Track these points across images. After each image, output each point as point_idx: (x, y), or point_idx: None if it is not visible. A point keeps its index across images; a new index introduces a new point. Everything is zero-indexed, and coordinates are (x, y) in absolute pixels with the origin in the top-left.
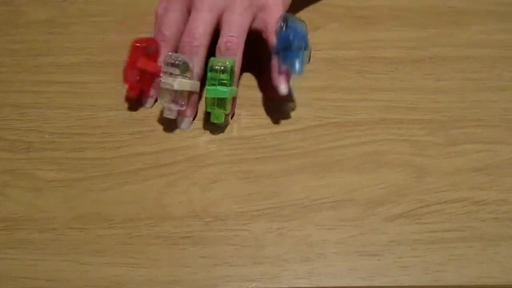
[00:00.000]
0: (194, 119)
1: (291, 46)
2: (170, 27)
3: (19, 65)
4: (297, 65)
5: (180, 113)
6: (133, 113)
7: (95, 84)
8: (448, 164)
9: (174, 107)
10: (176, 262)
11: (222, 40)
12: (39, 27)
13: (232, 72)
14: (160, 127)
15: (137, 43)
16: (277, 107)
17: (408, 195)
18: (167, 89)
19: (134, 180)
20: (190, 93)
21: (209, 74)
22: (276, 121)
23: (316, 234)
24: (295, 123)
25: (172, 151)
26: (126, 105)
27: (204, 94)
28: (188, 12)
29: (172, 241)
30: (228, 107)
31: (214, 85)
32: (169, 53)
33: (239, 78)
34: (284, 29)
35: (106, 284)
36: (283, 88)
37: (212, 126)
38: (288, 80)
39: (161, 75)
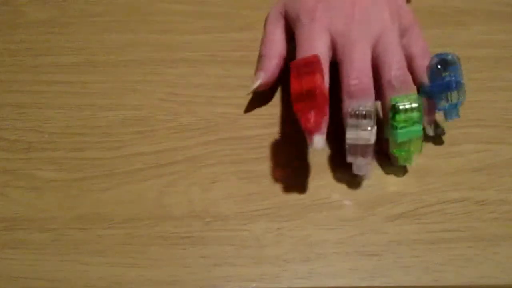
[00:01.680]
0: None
1: (451, 96)
2: (320, 49)
3: (19, 65)
4: (452, 115)
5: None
6: (133, 113)
7: (95, 84)
8: (448, 164)
9: (365, 162)
10: (176, 262)
11: (392, 75)
12: (39, 27)
13: (421, 107)
14: (160, 127)
15: (295, 63)
16: (277, 107)
17: (408, 195)
18: (355, 144)
19: (134, 180)
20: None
21: (397, 117)
22: (276, 121)
23: (316, 234)
24: (295, 123)
25: (172, 151)
26: (126, 105)
27: (392, 138)
28: (332, 42)
29: (172, 241)
30: (420, 146)
31: (406, 127)
32: (351, 101)
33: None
34: (441, 73)
35: (106, 284)
36: (429, 130)
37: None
38: (433, 122)
39: (346, 130)
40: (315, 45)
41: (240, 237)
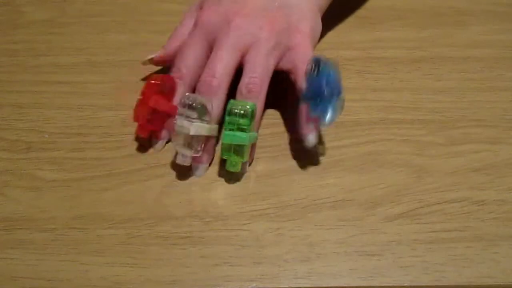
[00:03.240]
0: (210, 165)
1: (323, 94)
2: (188, 64)
3: (19, 65)
4: (328, 115)
5: (195, 159)
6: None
7: (95, 84)
8: (448, 164)
9: (189, 153)
10: (176, 262)
11: (244, 81)
12: (39, 27)
13: (252, 116)
14: None
15: (152, 80)
16: (277, 107)
17: (408, 195)
18: (182, 133)
19: (134, 180)
20: (207, 137)
21: (227, 118)
22: (276, 121)
23: (316, 234)
24: (295, 123)
25: (172, 151)
26: (126, 105)
27: (221, 139)
28: (210, 49)
29: (172, 241)
30: (246, 155)
31: (232, 130)
32: (187, 94)
33: (260, 124)
34: (315, 74)
35: (106, 284)
36: (311, 139)
37: (228, 175)
38: (316, 129)
39: (176, 117)
40: (187, 52)
41: (240, 237)
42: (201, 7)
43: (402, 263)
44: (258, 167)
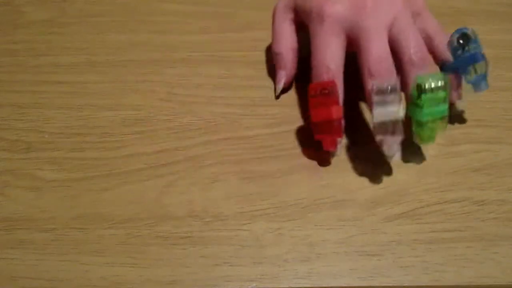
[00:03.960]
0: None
1: (478, 68)
2: (334, 60)
3: (19, 65)
4: (483, 86)
5: (387, 140)
6: (133, 113)
7: (95, 84)
8: (448, 164)
9: (399, 139)
10: (176, 262)
11: (409, 53)
12: (39, 27)
13: (447, 85)
14: (160, 127)
15: (313, 91)
16: (277, 107)
17: (408, 195)
18: (388, 121)
19: (134, 180)
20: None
21: (424, 96)
22: (276, 121)
23: (316, 234)
24: (295, 123)
25: (172, 151)
26: (126, 105)
27: (414, 118)
28: (345, 40)
29: (172, 241)
30: (445, 123)
31: (430, 106)
32: (377, 82)
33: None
34: (464, 49)
35: (106, 284)
36: (461, 106)
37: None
38: (460, 97)
39: (373, 109)
40: (329, 51)
41: (240, 237)
42: (293, 18)
43: (402, 263)
44: (258, 168)
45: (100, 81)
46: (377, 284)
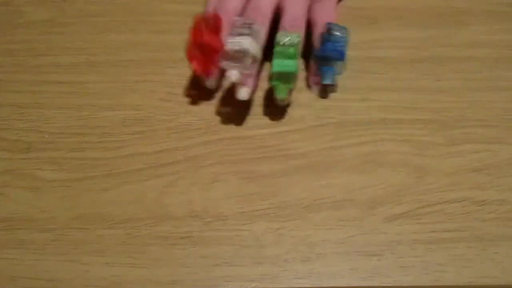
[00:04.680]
0: (253, 93)
1: (327, 60)
2: (232, 4)
3: (19, 65)
4: (327, 79)
5: (242, 81)
6: (133, 113)
7: (95, 84)
8: (448, 164)
9: (240, 69)
10: (176, 262)
11: (285, 18)
12: (39, 27)
13: (298, 46)
14: (160, 127)
15: (199, 18)
16: (277, 107)
17: (408, 195)
18: (235, 48)
19: (134, 180)
20: (252, 62)
21: (277, 48)
22: (276, 121)
23: (316, 234)
24: (295, 123)
25: (172, 151)
26: (126, 105)
27: (271, 67)
28: None
29: (172, 241)
30: (293, 82)
31: (281, 58)
32: (242, 18)
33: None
34: (326, 39)
35: (106, 284)
36: (314, 90)
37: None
38: (318, 83)
39: (230, 35)
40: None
41: (240, 237)
42: None
43: (402, 263)
44: (258, 168)
45: (100, 81)
46: (377, 284)
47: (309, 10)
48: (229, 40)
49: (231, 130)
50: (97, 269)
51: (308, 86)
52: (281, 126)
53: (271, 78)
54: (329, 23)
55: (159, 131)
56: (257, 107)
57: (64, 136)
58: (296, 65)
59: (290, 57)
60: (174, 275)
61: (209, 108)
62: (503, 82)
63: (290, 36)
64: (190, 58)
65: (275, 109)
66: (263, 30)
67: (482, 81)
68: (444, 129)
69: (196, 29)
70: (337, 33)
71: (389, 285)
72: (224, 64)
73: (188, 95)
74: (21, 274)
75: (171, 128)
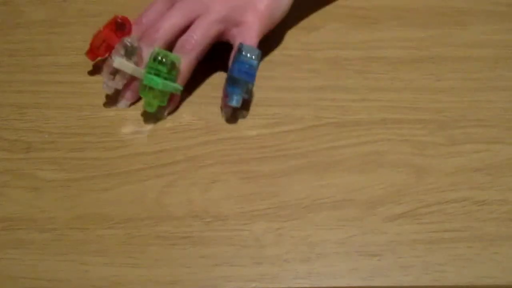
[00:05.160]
0: (133, 103)
1: (234, 81)
2: (148, 16)
3: (19, 65)
4: (233, 100)
5: (120, 94)
6: (133, 113)
7: (95, 84)
8: (448, 164)
9: (111, 84)
10: (176, 262)
11: (182, 38)
12: (39, 27)
13: (173, 67)
14: (160, 127)
15: (116, 17)
16: (277, 107)
17: (408, 195)
18: (110, 64)
19: (134, 180)
20: (133, 77)
21: (149, 63)
22: (276, 121)
23: (316, 234)
24: (295, 123)
25: (172, 151)
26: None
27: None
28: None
29: (172, 241)
30: (161, 99)
31: (151, 73)
32: (129, 36)
33: (186, 79)
34: (236, 58)
35: (106, 284)
36: (224, 113)
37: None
38: (227, 105)
39: (113, 51)
40: (151, 9)
41: (240, 237)
42: None
43: (403, 263)
44: (258, 168)
45: (100, 81)
46: (377, 284)
47: (227, 34)
48: (111, 55)
49: (231, 130)
50: (97, 269)
51: (220, 108)
52: (281, 126)
53: (140, 88)
54: (240, 44)
55: (159, 131)
56: (257, 107)
57: (64, 136)
58: (163, 84)
59: (159, 74)
60: (174, 275)
61: (209, 108)
62: (503, 82)
63: (165, 54)
64: (91, 43)
65: (275, 109)
66: (148, 51)
67: (482, 81)
68: (444, 129)
69: (108, 24)
70: (247, 54)
71: (389, 285)
72: (102, 73)
73: (188, 95)
74: (21, 274)
75: (171, 128)
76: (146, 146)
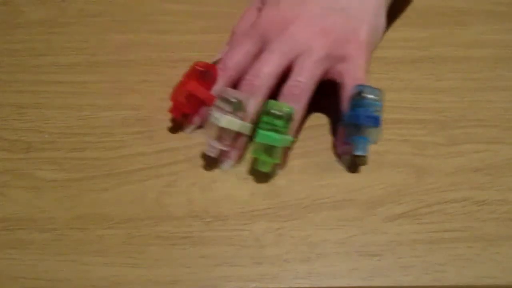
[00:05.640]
0: (238, 162)
1: (359, 128)
2: (236, 60)
3: (19, 65)
4: (359, 149)
5: (224, 153)
6: (133, 113)
7: (95, 84)
8: (448, 164)
9: (217, 145)
10: (176, 262)
11: (287, 84)
12: (39, 27)
13: (289, 119)
14: (160, 127)
15: (196, 65)
16: None
17: (408, 195)
18: (214, 124)
19: (134, 180)
20: (238, 134)
21: (263, 118)
22: None
23: (316, 234)
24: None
25: (172, 151)
26: (126, 105)
27: (255, 138)
28: (260, 50)
29: (172, 241)
30: (278, 156)
31: (266, 129)
32: (226, 88)
33: (299, 129)
34: (358, 103)
35: (106, 284)
36: (344, 160)
37: (256, 173)
38: (348, 153)
39: (212, 108)
40: (238, 51)
41: (240, 237)
42: (260, 8)
43: (403, 263)
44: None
45: (100, 81)
46: (377, 284)
47: (332, 71)
48: (211, 113)
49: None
50: (97, 269)
51: (336, 155)
52: None
53: (254, 147)
54: (359, 85)
55: (159, 131)
56: None
57: (64, 136)
58: (282, 140)
59: (276, 129)
60: (174, 275)
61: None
62: (503, 82)
63: (280, 106)
64: (173, 99)
65: None
66: (253, 101)
67: (482, 81)
68: (444, 129)
69: (189, 75)
70: (370, 96)
71: (389, 285)
72: (205, 135)
73: None
74: (21, 274)
75: (171, 128)
76: (146, 146)
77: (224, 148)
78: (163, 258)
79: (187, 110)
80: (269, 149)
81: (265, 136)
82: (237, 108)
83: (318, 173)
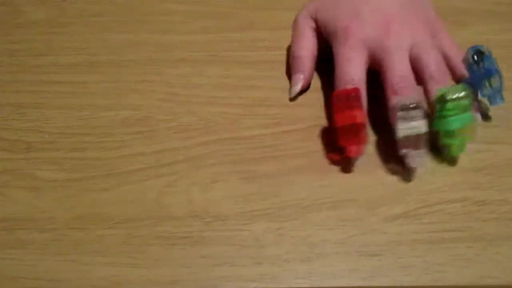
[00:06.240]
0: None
1: (492, 82)
2: (358, 74)
3: (19, 65)
4: (496, 101)
5: (409, 154)
6: (133, 113)
7: (95, 84)
8: (448, 164)
9: (419, 153)
10: (176, 262)
11: (429, 70)
12: (39, 27)
13: (470, 94)
14: (160, 127)
15: (336, 99)
16: (277, 107)
17: (408, 195)
18: (413, 134)
19: (134, 180)
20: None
21: (446, 105)
22: (276, 121)
23: (316, 234)
24: (295, 123)
25: (172, 151)
26: (126, 105)
27: (442, 130)
28: (369, 58)
29: (172, 241)
30: (472, 133)
31: (454, 115)
32: (400, 98)
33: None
34: (479, 65)
35: (106, 284)
36: (478, 118)
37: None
38: (479, 111)
39: (396, 124)
40: (353, 65)
41: (240, 237)
42: (316, 16)
43: (403, 263)
44: (258, 168)
45: (100, 81)
46: (377, 284)
47: (440, 49)
48: (401, 127)
49: (231, 130)
50: (97, 269)
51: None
52: (281, 126)
53: (447, 136)
54: (475, 49)
55: (159, 131)
56: (257, 107)
57: (64, 136)
58: (473, 116)
59: (465, 109)
60: (174, 275)
61: (209, 108)
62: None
63: (455, 88)
64: (345, 142)
65: (275, 109)
66: (421, 98)
67: None
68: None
69: (340, 110)
70: (489, 57)
71: (389, 285)
72: (403, 152)
73: (188, 95)
74: (21, 274)
75: (171, 128)
76: (146, 146)
77: (423, 153)
78: (163, 258)
79: (362, 142)
80: (458, 132)
81: (460, 120)
82: (422, 110)
83: (318, 173)
